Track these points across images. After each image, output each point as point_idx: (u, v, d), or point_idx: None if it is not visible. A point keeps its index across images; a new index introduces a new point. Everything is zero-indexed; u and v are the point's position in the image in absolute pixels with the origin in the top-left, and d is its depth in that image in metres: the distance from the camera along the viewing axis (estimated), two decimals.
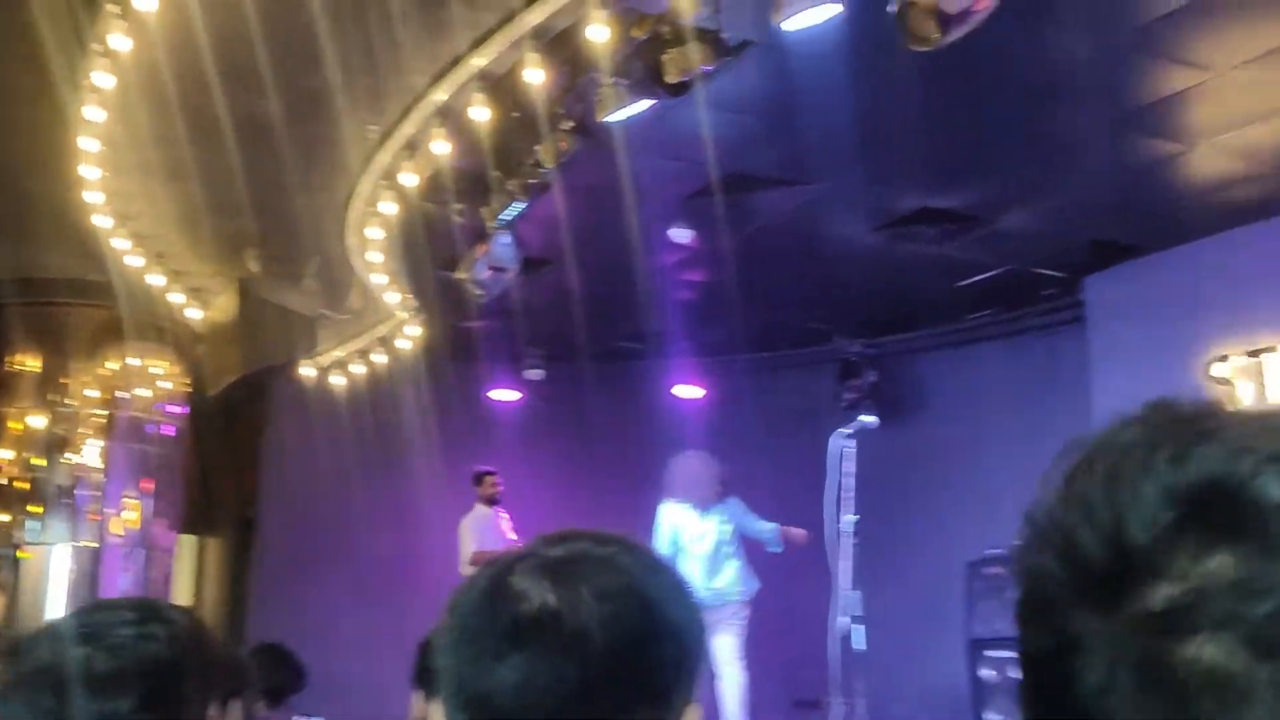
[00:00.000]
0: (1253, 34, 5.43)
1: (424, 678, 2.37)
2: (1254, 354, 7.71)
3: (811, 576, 9.86)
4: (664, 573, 1.00)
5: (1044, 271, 8.72)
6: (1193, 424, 0.54)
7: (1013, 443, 8.88)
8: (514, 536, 8.73)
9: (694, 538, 7.72)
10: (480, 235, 7.01)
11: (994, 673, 8.75)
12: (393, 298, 8.63)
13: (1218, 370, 7.88)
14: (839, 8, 4.62)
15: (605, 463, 10.17)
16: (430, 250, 7.80)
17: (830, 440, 6.39)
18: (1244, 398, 7.73)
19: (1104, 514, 0.52)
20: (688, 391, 10.86)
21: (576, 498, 9.99)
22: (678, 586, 1.00)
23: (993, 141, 6.55)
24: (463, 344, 9.95)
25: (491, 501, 8.90)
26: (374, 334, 9.54)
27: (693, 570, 7.46)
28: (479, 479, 8.95)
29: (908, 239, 7.99)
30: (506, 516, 8.91)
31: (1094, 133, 6.45)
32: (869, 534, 10.01)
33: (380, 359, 9.67)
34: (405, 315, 8.97)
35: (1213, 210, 7.51)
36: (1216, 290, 7.88)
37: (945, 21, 4.25)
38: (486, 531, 8.69)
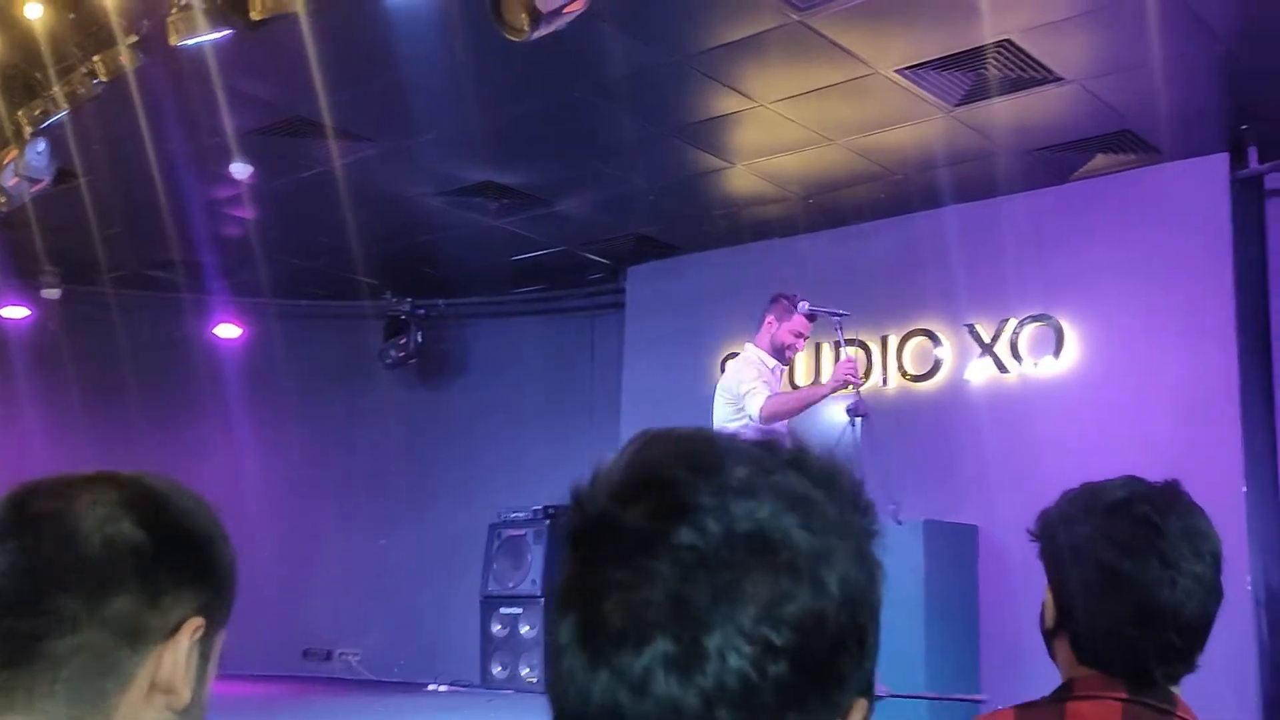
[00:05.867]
0: (792, 75, 6.12)
1: None
2: None
3: (331, 533, 9.88)
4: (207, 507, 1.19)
5: (591, 257, 9.25)
6: (652, 436, 0.80)
7: (547, 415, 9.36)
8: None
9: None
10: (12, 138, 6.35)
11: (502, 628, 9.23)
12: None
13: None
14: None
15: (129, 395, 9.56)
16: None
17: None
18: None
19: (593, 488, 0.78)
20: (226, 331, 10.45)
21: (94, 430, 9.36)
22: (217, 523, 1.19)
23: (561, 130, 6.88)
24: None
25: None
26: None
27: None
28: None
29: (468, 208, 8.20)
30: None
31: (650, 138, 6.96)
32: (399, 490, 10.15)
33: None
34: None
35: (739, 223, 8.36)
36: (733, 294, 8.76)
37: (536, 17, 4.44)
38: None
